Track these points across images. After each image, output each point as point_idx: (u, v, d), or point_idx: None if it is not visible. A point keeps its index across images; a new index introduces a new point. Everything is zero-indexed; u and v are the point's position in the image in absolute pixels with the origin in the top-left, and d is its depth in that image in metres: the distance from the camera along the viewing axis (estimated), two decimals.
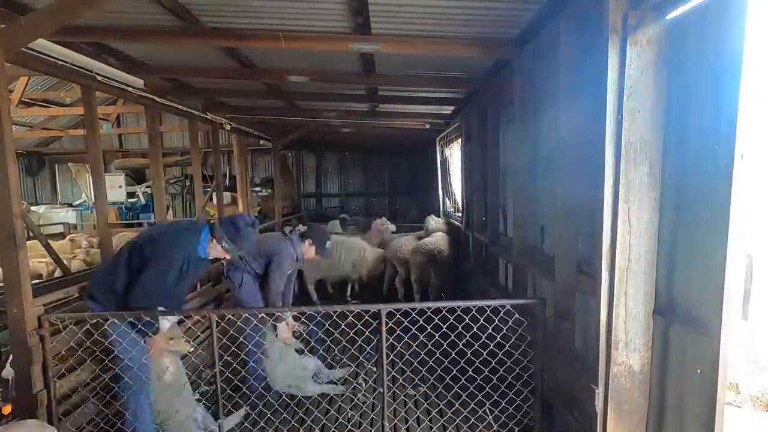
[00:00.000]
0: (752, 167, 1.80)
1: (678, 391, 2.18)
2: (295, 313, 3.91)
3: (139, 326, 2.84)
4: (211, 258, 3.24)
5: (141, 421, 2.98)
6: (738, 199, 1.79)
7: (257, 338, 3.70)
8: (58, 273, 5.59)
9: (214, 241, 3.11)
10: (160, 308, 2.90)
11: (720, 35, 1.89)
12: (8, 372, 2.75)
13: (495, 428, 3.29)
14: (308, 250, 4.10)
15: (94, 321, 2.88)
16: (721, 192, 1.83)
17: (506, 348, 3.10)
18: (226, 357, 3.62)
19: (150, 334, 2.91)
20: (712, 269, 1.88)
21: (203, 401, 3.58)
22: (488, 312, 2.99)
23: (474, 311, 2.99)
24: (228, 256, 3.26)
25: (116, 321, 2.84)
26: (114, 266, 3.01)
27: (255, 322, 3.38)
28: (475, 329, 3.06)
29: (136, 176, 13.40)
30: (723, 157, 1.83)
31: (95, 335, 2.95)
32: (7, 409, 2.70)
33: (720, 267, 1.83)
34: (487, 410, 3.32)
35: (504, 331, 3.08)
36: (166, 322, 3.11)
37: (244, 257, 3.85)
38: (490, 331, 3.07)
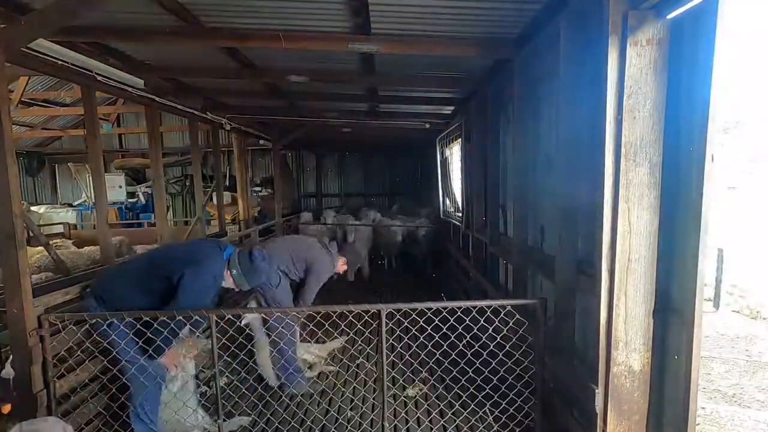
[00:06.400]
0: (719, 167, 1.92)
1: (676, 389, 2.18)
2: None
3: (157, 342, 2.80)
4: (223, 285, 3.19)
5: (142, 422, 2.98)
6: (709, 198, 1.93)
7: (289, 336, 3.75)
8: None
9: (230, 273, 3.10)
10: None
11: (707, 36, 1.95)
12: (8, 372, 2.75)
13: (495, 429, 3.29)
14: (341, 266, 4.40)
15: (93, 321, 2.88)
16: (695, 191, 1.99)
17: (506, 348, 3.10)
18: (225, 357, 3.62)
19: (166, 349, 2.89)
20: (690, 264, 2.04)
21: (203, 402, 3.57)
22: (488, 312, 2.99)
23: (474, 312, 2.99)
24: (236, 288, 3.23)
25: (116, 322, 2.81)
26: (131, 276, 2.98)
27: (287, 320, 3.57)
28: (475, 330, 3.06)
29: (136, 176, 13.39)
30: (696, 157, 1.97)
31: (94, 335, 2.95)
32: (6, 409, 2.70)
33: (694, 262, 2.01)
34: (488, 411, 3.31)
35: (504, 332, 3.08)
36: (181, 334, 3.08)
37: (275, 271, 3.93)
38: (490, 331, 3.07)
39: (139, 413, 2.97)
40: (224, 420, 3.08)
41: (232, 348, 3.32)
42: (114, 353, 2.92)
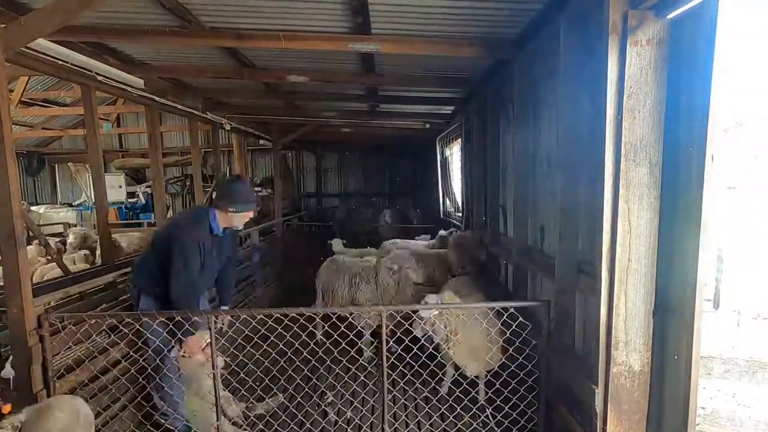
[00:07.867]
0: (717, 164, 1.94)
1: (676, 389, 2.18)
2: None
3: (186, 326, 2.95)
4: (224, 231, 3.29)
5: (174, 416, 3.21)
6: (709, 198, 1.93)
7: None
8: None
9: (219, 212, 3.20)
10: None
11: (707, 36, 1.95)
12: (8, 372, 2.74)
13: None
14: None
15: (93, 321, 2.88)
16: (695, 191, 1.99)
17: (509, 351, 3.08)
18: (224, 358, 3.61)
19: (191, 332, 3.01)
20: (690, 264, 2.05)
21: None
22: (491, 315, 2.98)
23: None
24: (237, 223, 3.28)
25: (149, 321, 3.01)
26: (149, 258, 3.22)
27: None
28: (477, 332, 3.06)
29: (136, 176, 13.39)
30: (696, 157, 1.97)
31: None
32: (6, 409, 2.70)
33: (693, 262, 2.02)
34: (489, 415, 3.29)
35: (507, 334, 3.07)
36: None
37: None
38: (492, 334, 3.07)
39: (161, 406, 3.20)
40: (252, 403, 3.34)
41: (231, 349, 3.33)
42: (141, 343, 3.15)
